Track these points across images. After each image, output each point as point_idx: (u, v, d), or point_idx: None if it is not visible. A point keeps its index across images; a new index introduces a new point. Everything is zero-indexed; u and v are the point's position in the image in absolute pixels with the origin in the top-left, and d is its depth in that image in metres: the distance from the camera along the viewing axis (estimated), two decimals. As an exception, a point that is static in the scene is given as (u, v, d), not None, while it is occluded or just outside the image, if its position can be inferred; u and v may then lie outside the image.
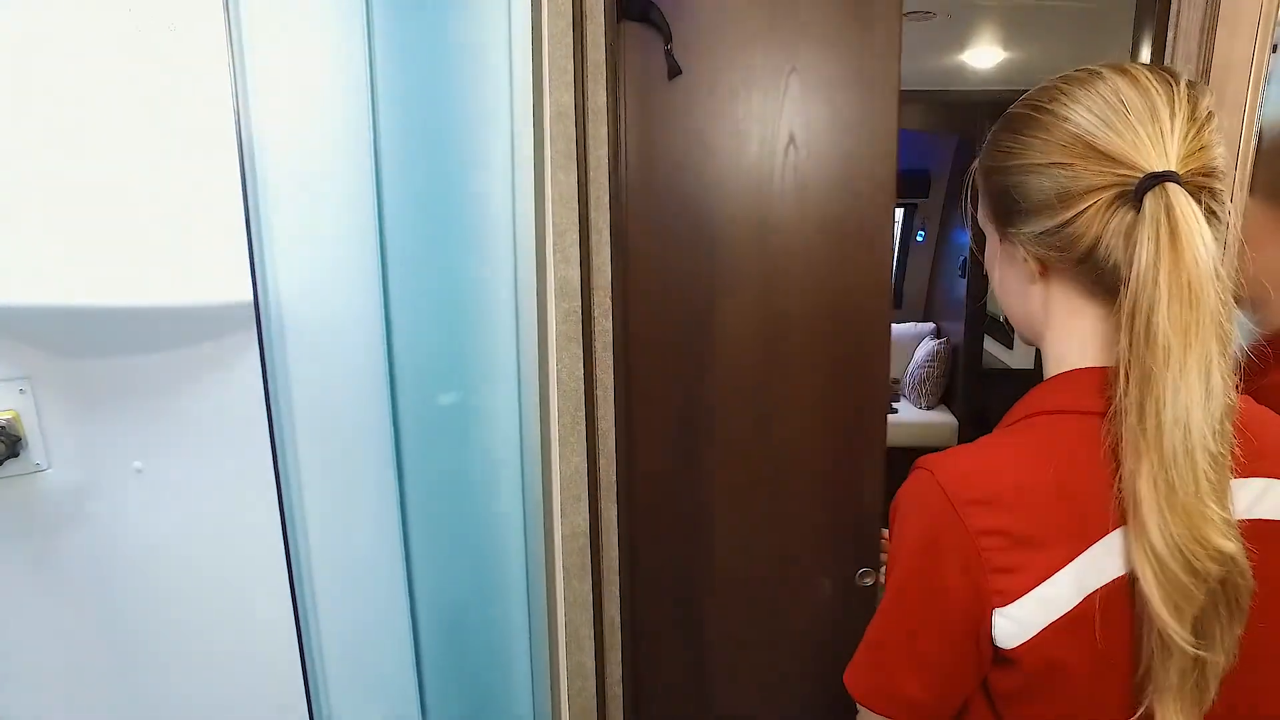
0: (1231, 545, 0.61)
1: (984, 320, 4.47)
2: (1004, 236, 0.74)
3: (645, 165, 1.30)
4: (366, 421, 0.92)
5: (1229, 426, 0.62)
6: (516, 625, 1.32)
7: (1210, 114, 0.64)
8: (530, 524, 1.29)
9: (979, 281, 4.22)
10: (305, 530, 0.86)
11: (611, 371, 1.29)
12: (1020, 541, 0.65)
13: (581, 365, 1.25)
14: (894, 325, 5.26)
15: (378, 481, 0.95)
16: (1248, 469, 0.64)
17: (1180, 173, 0.61)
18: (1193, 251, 0.59)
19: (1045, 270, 0.71)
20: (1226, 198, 0.63)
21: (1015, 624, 0.65)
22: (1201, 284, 0.59)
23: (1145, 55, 1.29)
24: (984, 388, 4.44)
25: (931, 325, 5.09)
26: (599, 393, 1.30)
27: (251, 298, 0.75)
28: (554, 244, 1.21)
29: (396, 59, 0.93)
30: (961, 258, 4.49)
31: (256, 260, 0.74)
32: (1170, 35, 1.23)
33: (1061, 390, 0.72)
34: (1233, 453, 0.63)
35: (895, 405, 4.67)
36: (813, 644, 1.53)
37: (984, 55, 3.16)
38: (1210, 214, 0.62)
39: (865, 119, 1.28)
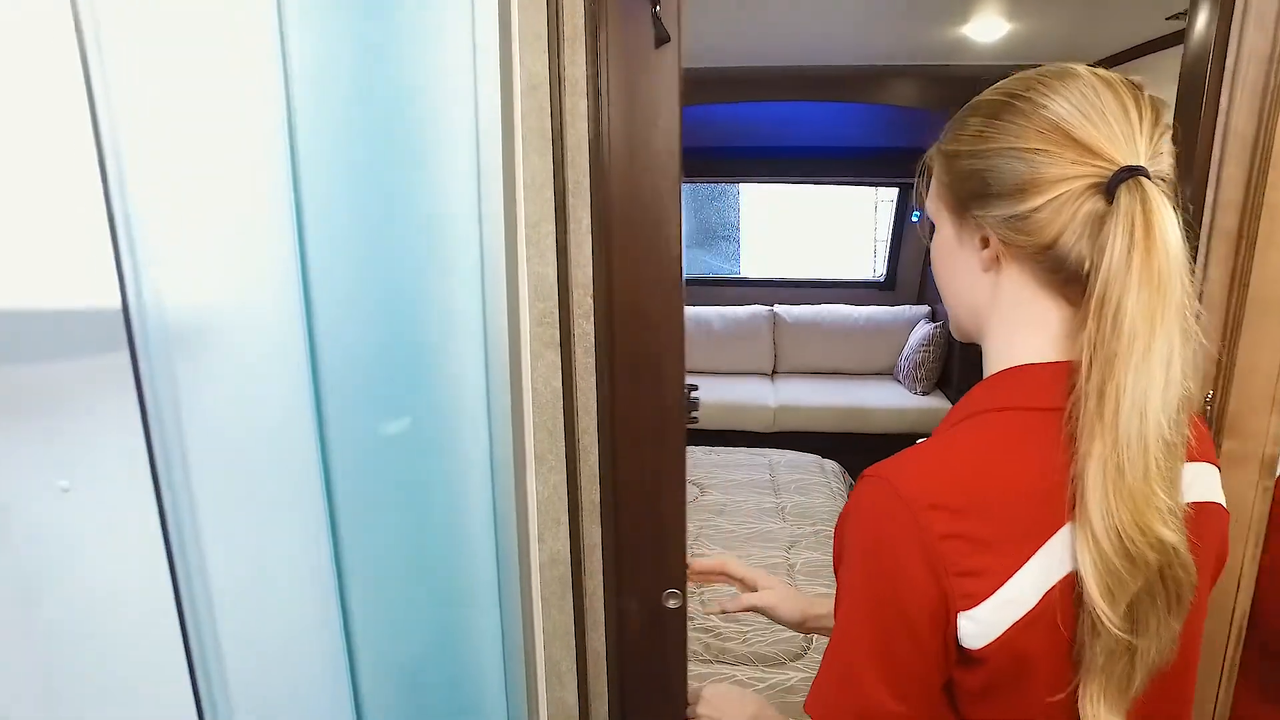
0: (1172, 535, 0.63)
1: (981, 304, 4.33)
2: (963, 222, 0.74)
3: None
4: (290, 447, 0.77)
5: (1184, 417, 0.64)
6: (489, 666, 1.18)
7: (1169, 125, 0.67)
8: (503, 552, 1.15)
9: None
10: (206, 585, 0.71)
11: (594, 379, 1.14)
12: (981, 544, 0.65)
13: (559, 374, 1.10)
14: (888, 309, 5.20)
15: (302, 516, 0.80)
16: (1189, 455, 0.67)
17: (1151, 170, 0.63)
18: (1164, 243, 0.61)
19: (999, 260, 0.72)
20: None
21: (981, 625, 0.65)
22: (1170, 274, 0.61)
23: (1203, 17, 1.14)
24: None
25: (926, 309, 4.96)
26: (579, 403, 1.15)
27: (120, 303, 0.59)
28: (526, 236, 1.06)
29: (320, 18, 0.77)
30: (959, 240, 4.35)
31: (125, 262, 0.59)
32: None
33: (1010, 386, 0.73)
34: (1186, 442, 0.65)
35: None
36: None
37: (987, 28, 3.00)
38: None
39: (641, 83, 1.09)
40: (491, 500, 1.13)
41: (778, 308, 5.16)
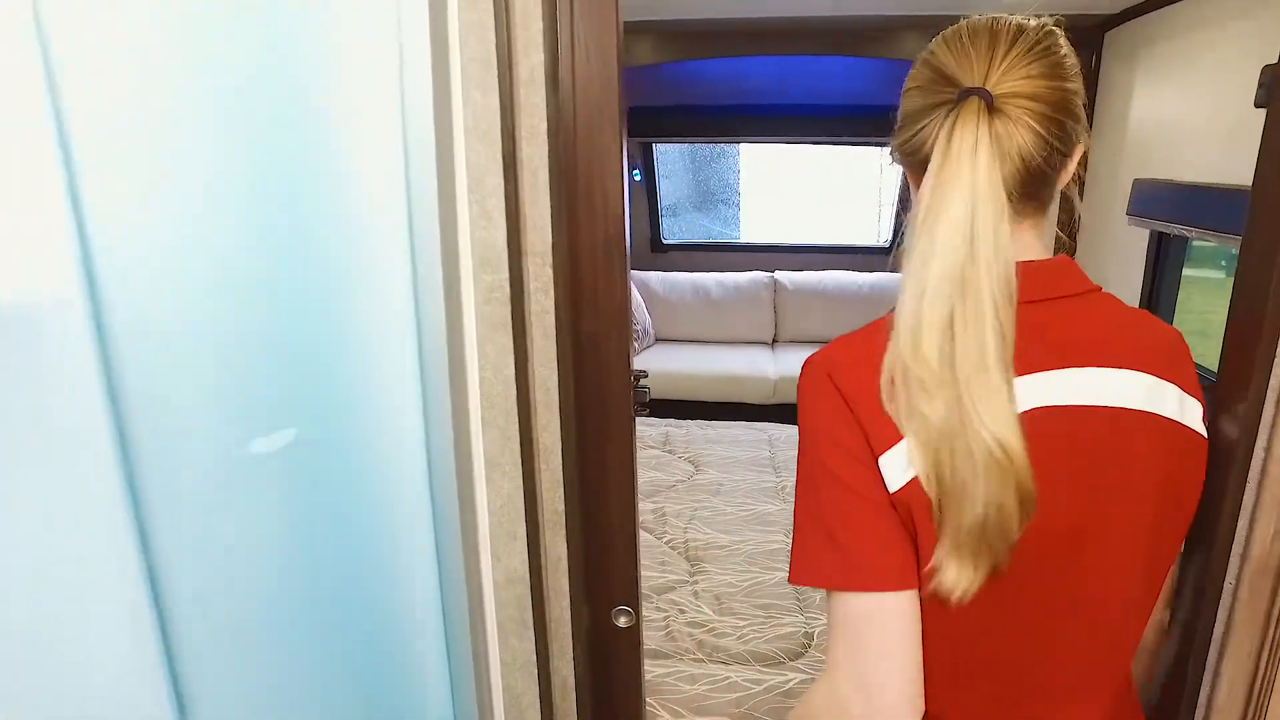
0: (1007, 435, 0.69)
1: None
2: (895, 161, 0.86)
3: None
4: (80, 459, 0.58)
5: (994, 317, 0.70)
6: (434, 705, 1.00)
7: (1035, 48, 0.75)
8: (448, 574, 0.96)
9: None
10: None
11: (555, 368, 0.95)
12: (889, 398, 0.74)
13: (512, 361, 0.91)
14: (893, 275, 4.92)
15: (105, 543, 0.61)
16: (1089, 357, 0.76)
17: (996, 92, 0.73)
18: (959, 143, 0.71)
19: (913, 179, 0.83)
20: (1058, 131, 0.74)
21: (891, 470, 0.73)
22: (956, 163, 0.71)
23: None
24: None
25: (934, 276, 4.75)
26: (537, 396, 0.96)
27: None
28: (468, 194, 0.86)
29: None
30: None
31: None
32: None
33: None
34: (1005, 334, 0.70)
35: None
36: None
37: (1007, -30, 2.76)
38: (1036, 136, 0.73)
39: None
40: (431, 515, 0.94)
41: (779, 274, 4.94)
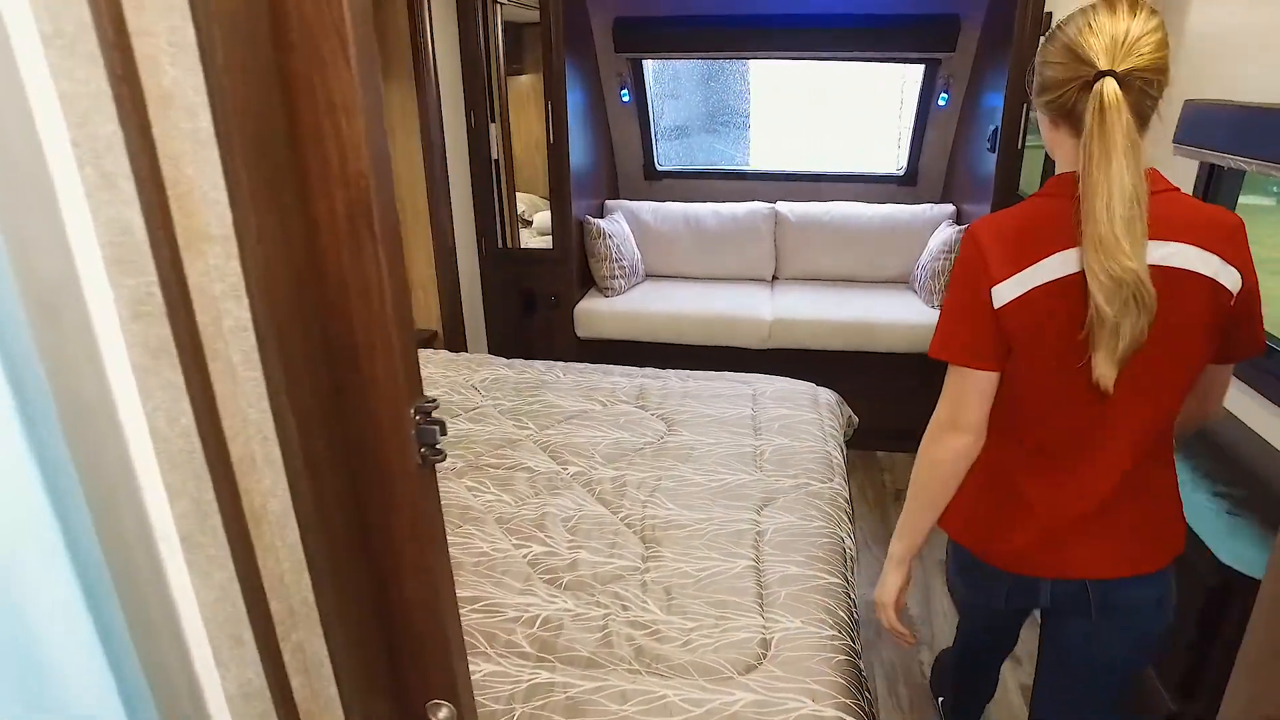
0: (1133, 265, 1.16)
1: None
2: (1037, 107, 1.35)
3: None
4: None
5: (1135, 207, 1.17)
6: None
7: (1146, 34, 1.18)
8: (140, 699, 0.67)
9: (1013, 158, 3.44)
10: None
11: (268, 406, 0.63)
12: (1011, 253, 1.29)
13: (187, 403, 0.59)
14: (906, 208, 4.56)
15: None
16: (1162, 234, 1.22)
17: (1119, 70, 1.17)
18: (1110, 118, 1.17)
19: (1055, 124, 1.31)
20: (1158, 85, 1.20)
21: (1003, 293, 1.29)
22: (1113, 132, 1.17)
23: None
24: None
25: (950, 208, 4.32)
26: (254, 448, 0.64)
27: None
28: (72, 146, 0.53)
29: None
30: (993, 127, 3.68)
31: None
32: None
33: (1051, 183, 1.32)
34: (1144, 219, 1.18)
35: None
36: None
37: None
38: (1143, 93, 1.19)
39: None
40: (93, 620, 0.64)
41: (780, 205, 4.54)
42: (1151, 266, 1.19)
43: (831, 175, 4.70)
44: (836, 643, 1.79)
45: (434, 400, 0.71)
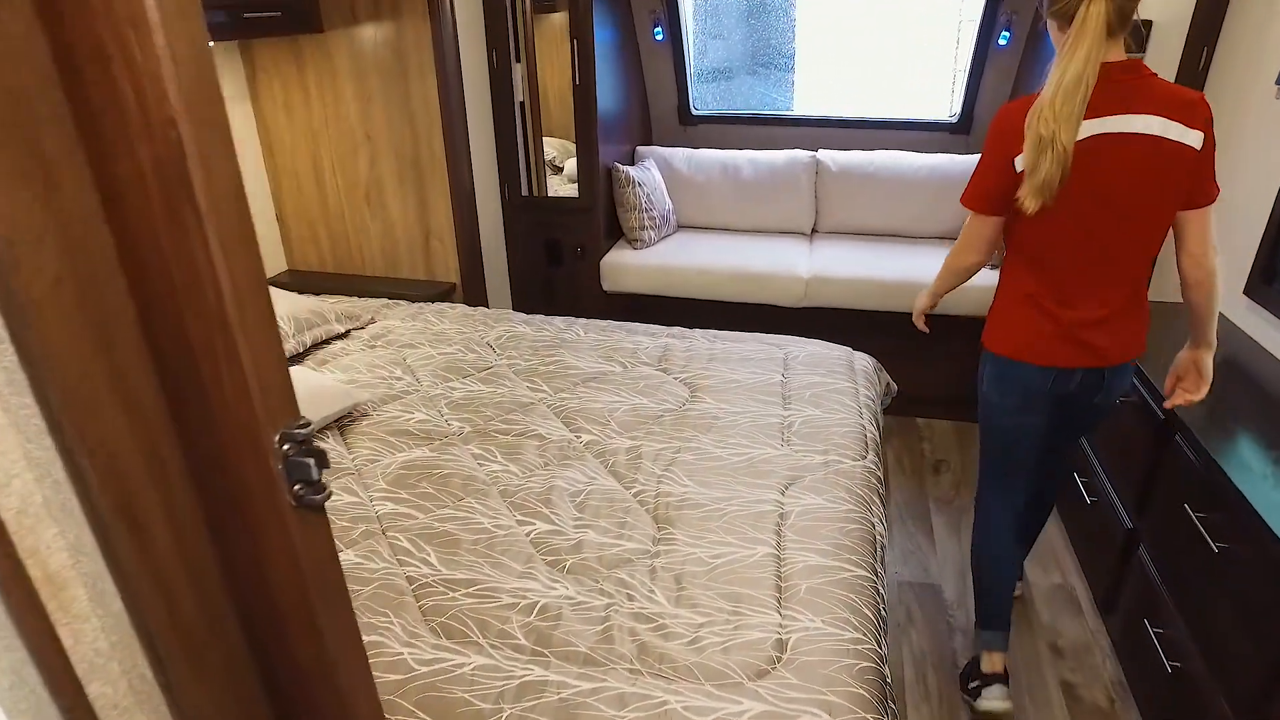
0: (1053, 127, 1.65)
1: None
2: (1047, 16, 1.78)
3: None
4: None
5: (1078, 88, 1.64)
6: None
7: None
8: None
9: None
10: None
11: (50, 436, 0.46)
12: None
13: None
14: (957, 158, 4.24)
15: None
16: (1137, 108, 1.70)
17: None
18: (1090, 22, 1.63)
19: (1061, 29, 1.73)
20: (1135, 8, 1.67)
21: (1019, 161, 1.75)
22: (1085, 33, 1.63)
23: None
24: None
25: (1007, 158, 4.01)
26: (33, 498, 0.48)
27: None
28: None
29: None
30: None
31: None
32: None
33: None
34: (1084, 98, 1.65)
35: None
36: None
37: None
38: (1120, 12, 1.64)
39: None
40: None
41: (822, 154, 4.26)
42: (1130, 133, 1.70)
43: (877, 121, 4.39)
44: (861, 647, 1.62)
45: (307, 423, 0.53)
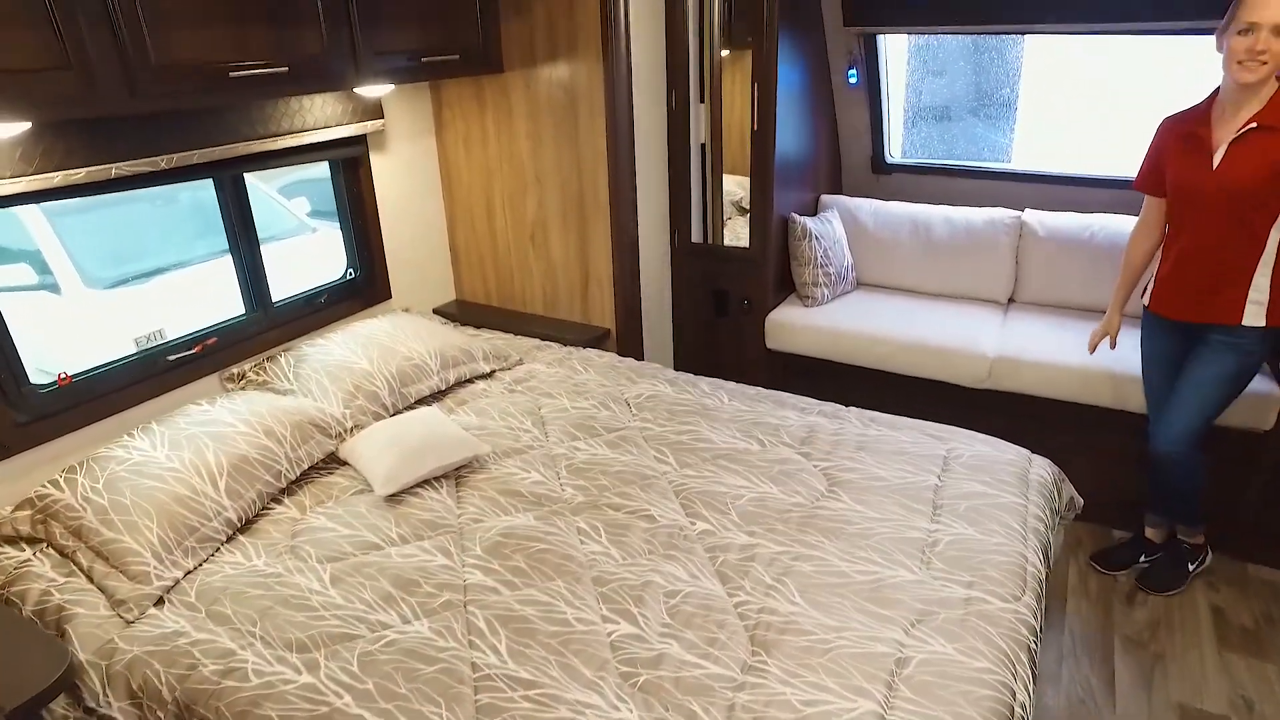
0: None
1: None
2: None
3: None
4: None
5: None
6: None
7: None
8: None
9: None
10: None
11: None
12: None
13: None
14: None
15: None
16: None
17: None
18: None
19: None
20: None
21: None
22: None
23: None
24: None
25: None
26: None
27: None
28: None
29: None
30: None
31: None
32: None
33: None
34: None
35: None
36: None
37: None
38: None
39: None
40: None
41: (1029, 214, 3.80)
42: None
43: (1097, 179, 3.86)
44: None
45: None
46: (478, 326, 3.65)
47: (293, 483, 2.45)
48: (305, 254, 3.97)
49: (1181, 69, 4.52)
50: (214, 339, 2.86)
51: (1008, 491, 2.32)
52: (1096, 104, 4.95)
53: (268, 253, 3.04)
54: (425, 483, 2.42)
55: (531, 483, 2.42)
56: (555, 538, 2.15)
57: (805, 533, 2.15)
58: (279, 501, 2.37)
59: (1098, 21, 3.38)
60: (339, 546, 2.15)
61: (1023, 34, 4.03)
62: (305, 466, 2.47)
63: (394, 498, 2.35)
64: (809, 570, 2.00)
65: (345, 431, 2.63)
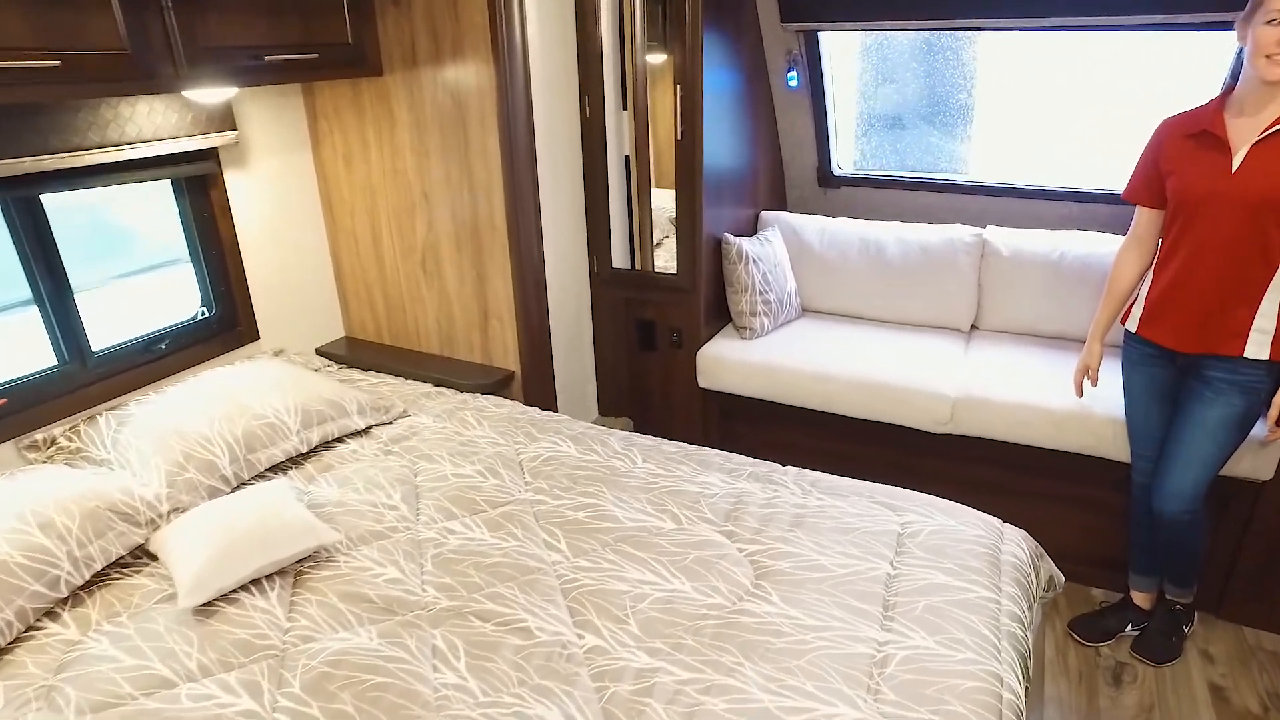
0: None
1: None
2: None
3: None
4: None
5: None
6: None
7: None
8: None
9: None
10: None
11: None
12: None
13: None
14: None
15: None
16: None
17: None
18: None
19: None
20: None
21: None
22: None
23: None
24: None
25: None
26: None
27: None
28: None
29: None
30: None
31: None
32: None
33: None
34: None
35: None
36: None
37: None
38: None
39: None
40: None
41: (991, 231, 3.39)
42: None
43: (1067, 193, 3.47)
44: None
45: None
46: (365, 369, 3.15)
47: (82, 586, 1.93)
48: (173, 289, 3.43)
49: (1158, 69, 4.14)
50: (3, 399, 2.32)
51: (976, 583, 1.86)
52: (1057, 109, 4.57)
53: (132, 287, 2.53)
54: (252, 584, 1.91)
55: (386, 581, 1.92)
56: (399, 666, 1.65)
57: (721, 649, 1.68)
58: (55, 616, 1.85)
59: (1058, 16, 2.98)
60: (113, 687, 1.63)
61: (976, 30, 3.61)
62: (99, 566, 1.95)
63: (207, 607, 1.84)
64: (720, 710, 1.53)
65: (161, 516, 2.11)
